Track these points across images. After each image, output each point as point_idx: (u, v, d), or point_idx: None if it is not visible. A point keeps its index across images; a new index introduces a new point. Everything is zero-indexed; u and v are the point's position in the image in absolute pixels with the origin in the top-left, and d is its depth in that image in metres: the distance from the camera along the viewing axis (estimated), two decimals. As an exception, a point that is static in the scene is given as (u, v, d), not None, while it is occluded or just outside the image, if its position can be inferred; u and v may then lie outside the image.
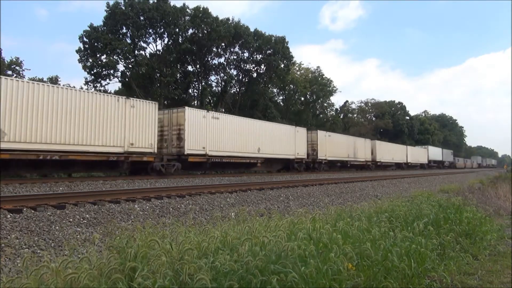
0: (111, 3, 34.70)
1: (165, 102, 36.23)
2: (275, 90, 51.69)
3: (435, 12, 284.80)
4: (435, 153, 66.28)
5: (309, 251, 3.20)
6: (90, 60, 34.46)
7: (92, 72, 34.82)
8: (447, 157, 73.12)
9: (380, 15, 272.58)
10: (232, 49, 41.86)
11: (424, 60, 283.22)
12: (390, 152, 45.93)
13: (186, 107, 19.74)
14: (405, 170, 48.29)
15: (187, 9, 37.88)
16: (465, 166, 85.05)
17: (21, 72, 33.53)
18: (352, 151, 36.96)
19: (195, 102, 40.17)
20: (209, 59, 41.25)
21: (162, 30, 37.16)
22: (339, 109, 64.64)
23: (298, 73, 53.17)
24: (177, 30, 37.03)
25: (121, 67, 36.48)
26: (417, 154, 55.35)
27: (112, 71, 35.65)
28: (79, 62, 34.87)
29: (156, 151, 17.74)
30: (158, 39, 37.97)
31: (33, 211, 6.93)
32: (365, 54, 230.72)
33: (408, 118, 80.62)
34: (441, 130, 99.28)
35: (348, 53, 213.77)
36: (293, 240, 3.47)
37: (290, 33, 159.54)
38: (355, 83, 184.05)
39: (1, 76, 12.91)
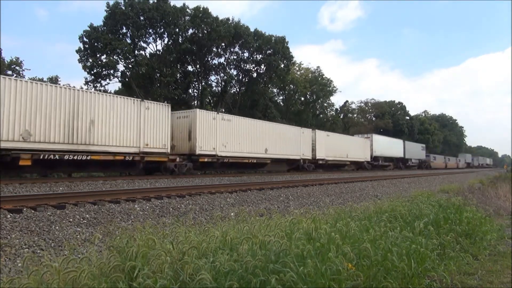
0: (111, 3, 34.73)
1: (165, 102, 36.21)
2: (275, 90, 51.71)
3: (434, 13, 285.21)
4: (386, 145, 44.08)
5: (307, 251, 3.20)
6: (90, 60, 34.46)
7: (92, 72, 34.84)
8: (413, 153, 53.32)
9: (379, 15, 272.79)
10: (232, 49, 41.87)
11: (424, 60, 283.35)
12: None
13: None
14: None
15: (187, 9, 37.90)
16: (446, 166, 68.63)
17: (21, 72, 33.55)
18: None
19: (195, 102, 40.18)
20: (209, 59, 41.26)
21: (162, 30, 37.17)
22: (339, 109, 64.67)
23: (298, 73, 53.18)
24: (177, 30, 37.04)
25: (121, 67, 36.53)
26: (356, 147, 37.33)
27: (112, 71, 35.67)
28: (79, 62, 34.92)
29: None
30: (158, 39, 38.01)
31: (33, 211, 6.93)
32: (365, 54, 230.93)
33: (408, 118, 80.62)
34: (441, 130, 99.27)
35: (347, 54, 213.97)
36: (292, 240, 3.47)
37: (290, 33, 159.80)
38: (355, 83, 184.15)
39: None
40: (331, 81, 55.37)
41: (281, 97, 53.38)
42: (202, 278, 2.49)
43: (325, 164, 31.77)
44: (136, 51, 36.79)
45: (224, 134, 21.40)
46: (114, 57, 34.82)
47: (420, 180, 25.28)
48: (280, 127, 27.46)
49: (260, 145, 24.23)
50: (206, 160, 20.43)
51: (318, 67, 59.65)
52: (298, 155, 28.39)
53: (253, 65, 43.66)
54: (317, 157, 30.22)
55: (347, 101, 68.52)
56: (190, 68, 40.99)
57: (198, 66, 40.73)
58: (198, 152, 19.66)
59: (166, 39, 38.25)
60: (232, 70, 43.74)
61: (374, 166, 41.08)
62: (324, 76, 54.79)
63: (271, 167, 26.60)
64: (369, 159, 39.39)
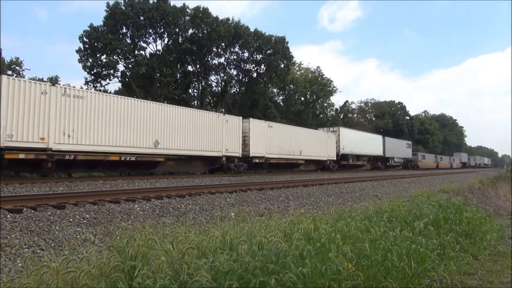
0: (111, 3, 34.73)
1: (165, 102, 36.21)
2: (275, 90, 51.70)
3: (433, 13, 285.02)
4: (359, 141, 37.05)
5: (307, 251, 3.20)
6: (90, 60, 34.46)
7: (92, 72, 34.84)
8: (396, 151, 45.81)
9: (378, 16, 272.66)
10: (232, 49, 41.87)
11: (423, 60, 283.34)
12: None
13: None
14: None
15: (187, 9, 37.89)
16: (438, 166, 62.45)
17: (21, 72, 33.52)
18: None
19: (195, 102, 40.18)
20: (209, 59, 41.26)
21: (162, 30, 37.17)
22: (339, 109, 64.67)
23: (298, 73, 53.17)
24: (177, 30, 37.04)
25: (121, 67, 36.52)
26: (314, 143, 30.36)
27: (112, 71, 35.66)
28: (79, 62, 34.91)
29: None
30: (158, 39, 38.00)
31: (33, 211, 6.93)
32: (364, 54, 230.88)
33: (408, 118, 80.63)
34: (441, 130, 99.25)
35: (347, 54, 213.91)
36: (292, 240, 3.47)
37: (289, 33, 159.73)
38: (355, 83, 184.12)
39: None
40: (331, 81, 55.40)
41: (281, 97, 53.40)
42: (200, 278, 2.49)
43: (265, 163, 25.35)
44: (136, 51, 36.79)
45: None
46: (114, 57, 34.82)
47: (420, 180, 25.29)
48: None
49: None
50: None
51: (318, 67, 59.68)
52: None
53: (253, 65, 43.67)
54: (251, 154, 23.54)
55: (347, 101, 68.60)
56: (190, 68, 41.00)
57: (198, 66, 40.73)
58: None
59: (166, 39, 38.27)
60: (232, 70, 43.77)
61: (342, 166, 34.28)
62: (324, 76, 54.81)
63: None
64: (334, 158, 32.53)
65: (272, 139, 25.50)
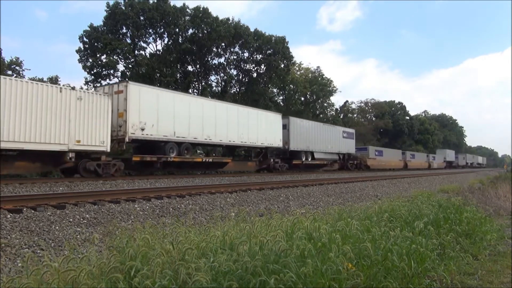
0: (111, 3, 34.72)
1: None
2: (275, 90, 51.65)
3: (432, 13, 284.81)
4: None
5: (308, 251, 3.20)
6: (90, 60, 34.45)
7: (92, 72, 34.82)
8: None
9: (377, 16, 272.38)
10: (232, 49, 41.83)
11: (422, 60, 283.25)
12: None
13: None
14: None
15: (187, 9, 37.87)
16: (407, 166, 49.67)
17: (21, 72, 33.49)
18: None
19: (195, 102, 40.12)
20: (209, 59, 41.22)
21: (162, 30, 37.16)
22: (339, 109, 64.64)
23: (298, 73, 53.15)
24: (177, 30, 37.03)
25: (121, 67, 36.50)
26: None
27: (112, 71, 35.63)
28: (79, 62, 34.91)
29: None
30: (158, 39, 37.99)
31: (33, 211, 6.93)
32: (364, 54, 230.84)
33: (408, 118, 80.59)
34: (441, 130, 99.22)
35: (346, 54, 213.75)
36: (293, 240, 3.47)
37: (289, 34, 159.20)
38: (354, 83, 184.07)
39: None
40: (331, 81, 55.35)
41: (281, 97, 53.33)
42: (200, 278, 2.49)
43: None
44: (136, 51, 36.78)
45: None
46: (114, 57, 34.81)
47: (420, 180, 25.31)
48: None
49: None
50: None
51: (318, 67, 59.66)
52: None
53: (253, 65, 43.64)
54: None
55: (347, 101, 68.52)
56: (190, 68, 40.96)
57: (198, 66, 40.70)
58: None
59: (166, 39, 38.26)
60: (232, 70, 43.72)
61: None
62: (324, 76, 54.79)
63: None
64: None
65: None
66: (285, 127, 27.15)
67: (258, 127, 24.28)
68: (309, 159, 29.95)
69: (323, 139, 31.89)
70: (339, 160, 35.19)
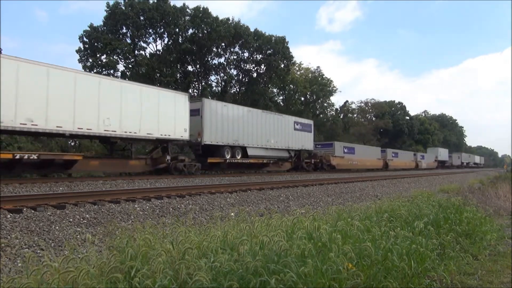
0: (111, 3, 34.75)
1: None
2: (275, 90, 51.69)
3: (431, 14, 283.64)
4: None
5: (308, 251, 3.20)
6: (90, 60, 34.49)
7: (92, 72, 34.84)
8: (293, 139, 27.74)
9: (376, 16, 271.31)
10: (232, 49, 41.86)
11: (422, 60, 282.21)
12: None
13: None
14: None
15: (187, 9, 37.91)
16: (387, 166, 43.11)
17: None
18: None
19: (195, 102, 40.15)
20: (209, 59, 41.25)
21: (162, 30, 37.20)
22: (339, 109, 64.66)
23: (298, 73, 53.18)
24: (177, 30, 37.05)
25: (121, 67, 36.53)
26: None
27: (112, 71, 35.67)
28: (79, 62, 34.96)
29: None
30: (158, 39, 38.04)
31: (33, 211, 6.93)
32: (363, 54, 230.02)
33: (408, 118, 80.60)
34: (441, 130, 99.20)
35: (346, 54, 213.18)
36: (293, 239, 3.47)
37: (288, 34, 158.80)
38: (354, 83, 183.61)
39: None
40: (331, 81, 55.39)
41: (281, 97, 53.37)
42: (200, 278, 2.49)
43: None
44: (136, 51, 36.81)
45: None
46: (114, 57, 34.84)
47: (420, 180, 25.32)
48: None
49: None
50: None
51: (318, 67, 59.68)
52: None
53: (253, 65, 43.67)
54: None
55: (347, 101, 68.52)
56: (190, 68, 40.99)
57: (198, 66, 40.72)
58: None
59: (166, 39, 38.30)
60: (232, 70, 43.77)
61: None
62: (324, 76, 54.84)
63: None
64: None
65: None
66: (197, 112, 20.26)
67: (143, 111, 16.76)
68: (238, 156, 22.83)
69: (263, 131, 24.72)
70: (291, 159, 28.15)
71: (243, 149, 23.37)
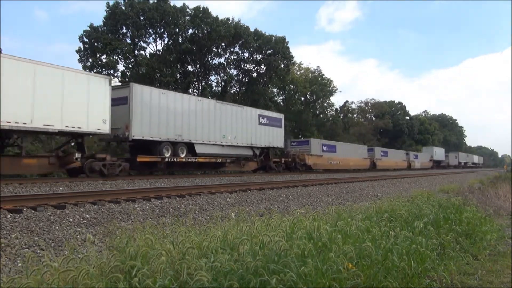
0: (111, 3, 34.72)
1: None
2: (275, 90, 51.65)
3: (431, 13, 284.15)
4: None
5: (308, 251, 3.20)
6: (90, 60, 34.45)
7: (92, 72, 34.85)
8: (257, 135, 24.20)
9: (376, 16, 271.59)
10: (232, 49, 41.82)
11: (422, 60, 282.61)
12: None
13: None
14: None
15: (187, 9, 37.86)
16: (375, 166, 40.41)
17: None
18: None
19: (195, 102, 40.12)
20: (209, 59, 41.21)
21: (162, 30, 37.16)
22: (339, 109, 64.62)
23: (298, 73, 53.15)
24: (177, 30, 37.02)
25: (121, 67, 36.47)
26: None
27: (112, 71, 35.63)
28: (79, 62, 34.88)
29: None
30: (158, 39, 37.99)
31: (33, 211, 6.93)
32: (363, 54, 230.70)
33: (408, 118, 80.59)
34: (441, 130, 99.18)
35: (346, 54, 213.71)
36: (293, 239, 3.47)
37: (288, 34, 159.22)
38: (354, 83, 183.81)
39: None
40: (331, 81, 55.28)
41: (281, 97, 53.32)
42: (200, 278, 2.49)
43: None
44: (136, 51, 36.78)
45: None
46: (114, 57, 34.80)
47: (420, 180, 25.33)
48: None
49: None
50: None
51: (318, 67, 59.61)
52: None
53: (253, 65, 43.63)
54: None
55: (347, 101, 68.42)
56: (190, 68, 40.95)
57: (198, 66, 40.70)
58: None
59: (166, 39, 38.25)
60: (232, 70, 43.71)
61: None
62: (324, 76, 54.77)
63: None
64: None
65: None
66: (124, 101, 16.94)
67: (39, 94, 13.14)
68: (182, 154, 19.25)
69: (217, 125, 21.08)
70: (256, 158, 24.41)
71: (190, 146, 19.84)
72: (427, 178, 28.00)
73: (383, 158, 43.86)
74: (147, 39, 37.45)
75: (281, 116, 27.57)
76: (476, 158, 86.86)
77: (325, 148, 32.63)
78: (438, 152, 63.17)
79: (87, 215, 7.08)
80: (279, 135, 26.62)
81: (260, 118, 24.86)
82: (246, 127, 23.25)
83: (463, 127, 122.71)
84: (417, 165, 51.99)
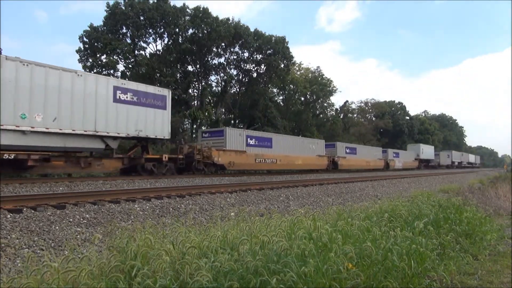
0: (111, 3, 34.73)
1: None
2: (275, 90, 51.66)
3: (431, 13, 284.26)
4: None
5: (308, 251, 3.20)
6: (90, 60, 34.46)
7: (92, 72, 34.84)
8: (116, 118, 15.73)
9: (376, 16, 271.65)
10: (232, 49, 41.82)
11: (422, 60, 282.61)
12: None
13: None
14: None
15: (187, 9, 37.86)
16: (337, 165, 32.33)
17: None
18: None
19: (195, 102, 40.15)
20: (209, 59, 41.21)
21: (162, 30, 37.16)
22: (339, 109, 64.62)
23: (298, 73, 53.15)
24: (177, 30, 37.02)
25: (121, 67, 36.47)
26: None
27: (112, 71, 35.64)
28: (79, 62, 34.90)
29: None
30: (158, 39, 37.99)
31: (33, 211, 6.93)
32: (363, 54, 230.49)
33: (408, 118, 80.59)
34: (441, 130, 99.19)
35: (346, 54, 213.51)
36: (293, 239, 3.47)
37: (288, 34, 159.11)
38: (354, 83, 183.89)
39: None
40: (331, 81, 55.28)
41: (281, 97, 53.34)
42: (201, 278, 2.49)
43: None
44: (136, 51, 36.78)
45: None
46: (114, 57, 34.80)
47: (420, 180, 25.35)
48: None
49: None
50: None
51: (318, 67, 59.68)
52: None
53: (253, 65, 43.62)
54: None
55: (347, 101, 68.45)
56: (190, 68, 40.95)
57: (198, 66, 40.69)
58: None
59: (166, 39, 38.25)
60: (232, 70, 43.70)
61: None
62: (324, 76, 54.77)
63: None
64: None
65: None
66: None
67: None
68: None
69: (11, 98, 12.62)
70: (114, 152, 16.39)
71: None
72: (427, 178, 28.03)
73: (349, 156, 34.54)
74: (147, 39, 37.48)
75: (164, 92, 18.59)
76: (472, 158, 79.68)
77: (251, 142, 24.18)
78: (426, 150, 55.37)
79: (87, 215, 7.08)
80: (163, 120, 18.13)
81: (117, 92, 16.21)
82: (84, 104, 14.89)
83: (463, 127, 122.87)
84: (398, 165, 43.87)
